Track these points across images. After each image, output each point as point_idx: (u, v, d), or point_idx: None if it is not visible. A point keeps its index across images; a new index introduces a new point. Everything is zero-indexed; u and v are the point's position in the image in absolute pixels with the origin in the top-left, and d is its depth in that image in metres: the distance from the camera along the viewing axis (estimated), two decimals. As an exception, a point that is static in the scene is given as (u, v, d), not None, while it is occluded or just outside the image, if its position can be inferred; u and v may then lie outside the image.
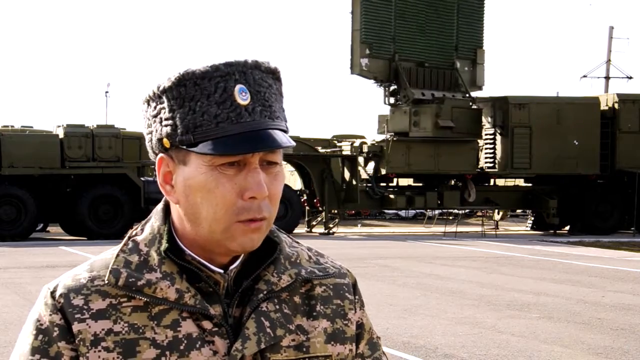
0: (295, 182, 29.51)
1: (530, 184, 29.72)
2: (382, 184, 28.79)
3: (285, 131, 1.53)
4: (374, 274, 15.87)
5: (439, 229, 30.98)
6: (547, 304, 12.52)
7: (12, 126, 29.16)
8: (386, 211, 37.03)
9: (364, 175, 28.10)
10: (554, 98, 30.00)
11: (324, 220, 27.94)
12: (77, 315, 1.51)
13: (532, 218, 31.31)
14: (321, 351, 1.59)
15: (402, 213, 37.78)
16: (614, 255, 20.85)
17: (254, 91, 1.51)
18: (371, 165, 28.20)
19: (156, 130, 1.54)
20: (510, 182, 30.28)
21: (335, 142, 30.38)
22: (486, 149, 28.85)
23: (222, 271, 1.55)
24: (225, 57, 1.53)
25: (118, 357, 1.50)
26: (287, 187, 26.30)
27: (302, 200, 28.58)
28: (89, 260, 1.59)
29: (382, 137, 28.48)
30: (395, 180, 29.35)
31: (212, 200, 1.50)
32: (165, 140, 1.52)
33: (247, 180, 1.49)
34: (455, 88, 28.54)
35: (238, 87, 1.50)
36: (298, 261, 1.62)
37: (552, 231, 29.18)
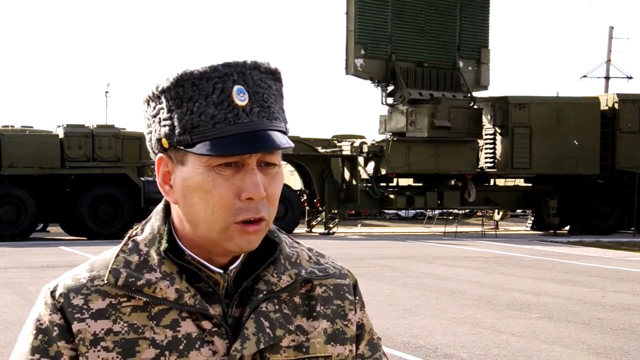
0: (295, 182, 29.51)
1: (530, 184, 29.72)
2: (382, 184, 28.78)
3: (285, 132, 1.53)
4: (374, 274, 15.87)
5: (439, 229, 30.98)
6: (547, 304, 12.52)
7: (12, 126, 29.16)
8: (386, 211, 37.02)
9: (364, 175, 28.10)
10: (554, 98, 30.00)
11: (324, 220, 27.94)
12: (76, 315, 1.51)
13: (532, 218, 31.30)
14: (321, 352, 1.59)
15: (402, 213, 37.77)
16: (614, 255, 20.85)
17: (252, 92, 1.50)
18: (371, 165, 28.20)
19: (155, 130, 1.54)
20: (510, 182, 30.28)
21: (335, 142, 30.38)
22: (486, 149, 28.85)
23: (221, 271, 1.55)
24: (225, 58, 1.53)
25: (117, 357, 1.50)
26: (287, 187, 26.30)
27: (302, 200, 28.58)
28: (89, 260, 1.59)
29: (383, 137, 28.49)
30: (395, 180, 29.35)
31: (209, 201, 1.50)
32: (163, 140, 1.52)
33: (244, 182, 1.49)
34: (456, 88, 28.52)
35: (236, 87, 1.49)
36: (298, 261, 1.62)
37: (552, 231, 29.17)
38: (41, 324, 1.53)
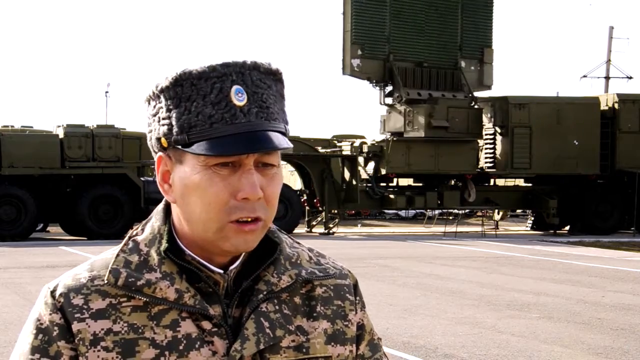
0: (295, 182, 29.52)
1: (530, 184, 29.72)
2: (382, 184, 28.79)
3: (284, 133, 1.53)
4: (374, 274, 15.87)
5: (439, 229, 30.98)
6: (547, 304, 12.52)
7: (12, 126, 29.17)
8: (386, 211, 37.02)
9: (364, 175, 28.10)
10: (554, 98, 30.00)
11: (324, 220, 27.94)
12: (76, 315, 1.51)
13: (532, 218, 31.30)
14: (321, 352, 1.59)
15: (402, 213, 37.77)
16: (614, 255, 20.84)
17: (251, 92, 1.50)
18: (371, 165, 28.20)
19: (155, 129, 1.54)
20: (510, 182, 30.27)
21: (335, 142, 30.39)
22: (486, 149, 28.85)
23: (221, 271, 1.55)
24: (225, 58, 1.53)
25: (117, 357, 1.50)
26: (287, 187, 26.33)
27: (302, 200, 28.57)
28: (90, 260, 1.60)
29: (383, 137, 28.50)
30: (395, 180, 29.35)
31: (205, 200, 1.50)
32: (162, 139, 1.53)
33: (240, 182, 1.49)
34: (457, 88, 28.50)
35: (234, 88, 1.49)
36: (298, 262, 1.62)
37: (552, 231, 29.17)
38: (41, 324, 1.53)
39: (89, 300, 1.52)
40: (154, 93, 1.54)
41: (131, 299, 1.52)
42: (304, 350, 1.57)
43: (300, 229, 28.37)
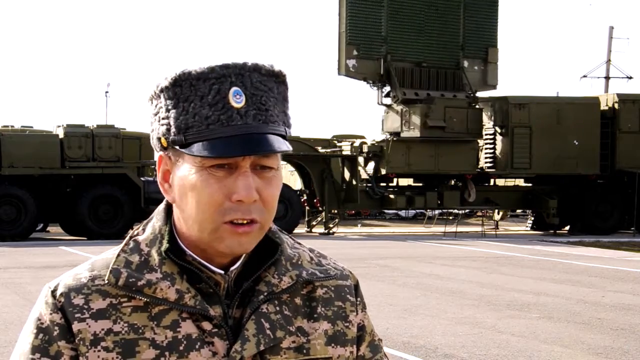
0: (295, 182, 29.51)
1: (530, 184, 29.72)
2: (382, 184, 28.78)
3: (284, 136, 1.52)
4: (374, 274, 15.87)
5: (439, 229, 30.98)
6: (547, 304, 12.52)
7: (12, 126, 29.17)
8: (386, 211, 37.02)
9: (364, 175, 28.10)
10: (554, 98, 29.99)
11: (324, 220, 27.94)
12: (77, 315, 1.51)
13: (532, 218, 31.30)
14: (321, 353, 1.59)
15: (402, 213, 37.76)
16: (614, 255, 20.84)
17: (249, 94, 1.50)
18: (371, 165, 28.20)
19: (156, 129, 1.55)
20: (510, 182, 30.27)
21: (335, 142, 30.39)
22: (486, 149, 28.84)
23: (222, 272, 1.55)
24: (226, 59, 1.52)
25: (117, 357, 1.50)
26: (287, 187, 26.33)
27: (302, 200, 28.57)
28: (91, 260, 1.59)
29: (384, 137, 28.50)
30: (395, 180, 29.35)
31: (200, 200, 1.49)
32: (162, 139, 1.53)
33: (235, 184, 1.49)
34: (459, 88, 28.47)
35: (233, 89, 1.49)
36: (299, 263, 1.62)
37: (552, 231, 29.17)
38: (42, 323, 1.53)
39: (89, 300, 1.52)
40: (155, 92, 1.54)
41: (132, 299, 1.52)
42: (305, 351, 1.57)
43: (300, 229, 28.37)
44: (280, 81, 1.54)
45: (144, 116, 1.59)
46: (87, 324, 1.51)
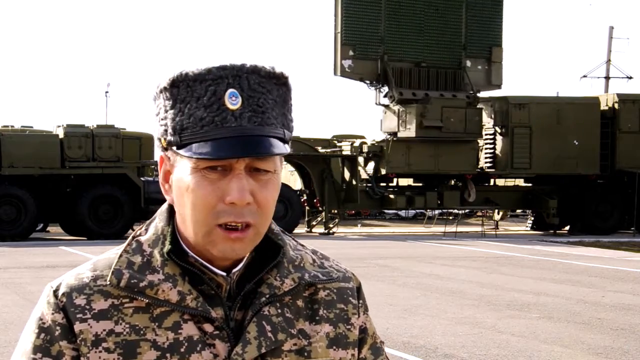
0: (295, 182, 29.51)
1: (530, 184, 29.71)
2: (382, 184, 28.78)
3: (281, 138, 1.51)
4: (374, 274, 15.88)
5: (439, 229, 30.97)
6: (547, 304, 12.52)
7: (12, 126, 29.16)
8: (386, 211, 37.00)
9: (364, 175, 28.09)
10: (554, 98, 29.99)
11: (324, 220, 27.93)
12: (79, 315, 1.51)
13: (532, 218, 31.30)
14: (323, 356, 1.58)
15: (402, 213, 37.75)
16: (614, 255, 20.85)
17: (246, 96, 1.49)
18: (371, 165, 28.19)
19: (156, 129, 1.55)
20: (510, 182, 30.26)
21: (335, 142, 30.38)
22: (486, 149, 28.84)
23: (224, 274, 1.55)
24: (226, 60, 1.52)
25: (118, 358, 1.50)
26: (287, 187, 26.33)
27: (302, 200, 28.57)
28: (93, 259, 1.59)
29: (384, 137, 28.49)
30: (395, 180, 29.34)
31: (194, 202, 1.49)
32: (162, 139, 1.53)
33: (229, 186, 1.48)
34: (460, 88, 28.44)
35: (229, 91, 1.48)
36: (302, 265, 1.61)
37: (552, 231, 29.17)
38: (43, 323, 1.53)
39: (91, 300, 1.52)
40: (156, 93, 1.55)
41: (133, 300, 1.52)
42: (306, 354, 1.56)
43: (300, 229, 28.37)
44: (281, 83, 1.53)
45: (143, 116, 1.59)
46: (89, 324, 1.50)
